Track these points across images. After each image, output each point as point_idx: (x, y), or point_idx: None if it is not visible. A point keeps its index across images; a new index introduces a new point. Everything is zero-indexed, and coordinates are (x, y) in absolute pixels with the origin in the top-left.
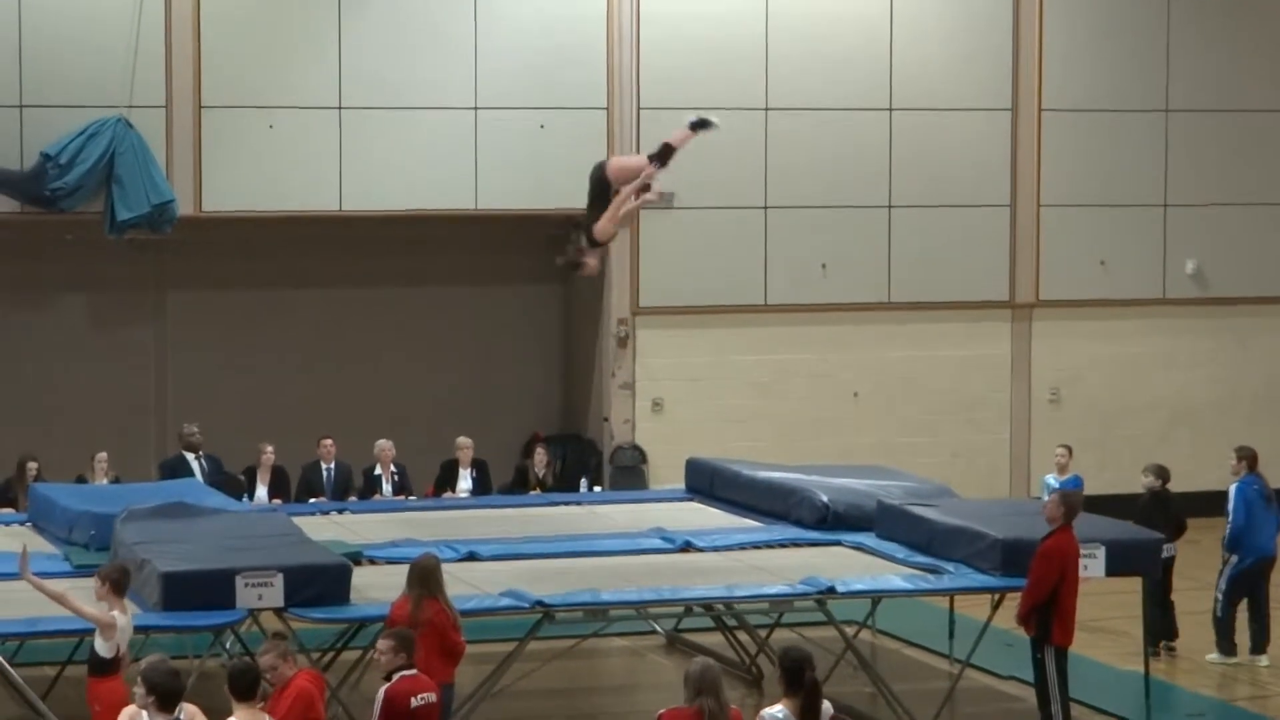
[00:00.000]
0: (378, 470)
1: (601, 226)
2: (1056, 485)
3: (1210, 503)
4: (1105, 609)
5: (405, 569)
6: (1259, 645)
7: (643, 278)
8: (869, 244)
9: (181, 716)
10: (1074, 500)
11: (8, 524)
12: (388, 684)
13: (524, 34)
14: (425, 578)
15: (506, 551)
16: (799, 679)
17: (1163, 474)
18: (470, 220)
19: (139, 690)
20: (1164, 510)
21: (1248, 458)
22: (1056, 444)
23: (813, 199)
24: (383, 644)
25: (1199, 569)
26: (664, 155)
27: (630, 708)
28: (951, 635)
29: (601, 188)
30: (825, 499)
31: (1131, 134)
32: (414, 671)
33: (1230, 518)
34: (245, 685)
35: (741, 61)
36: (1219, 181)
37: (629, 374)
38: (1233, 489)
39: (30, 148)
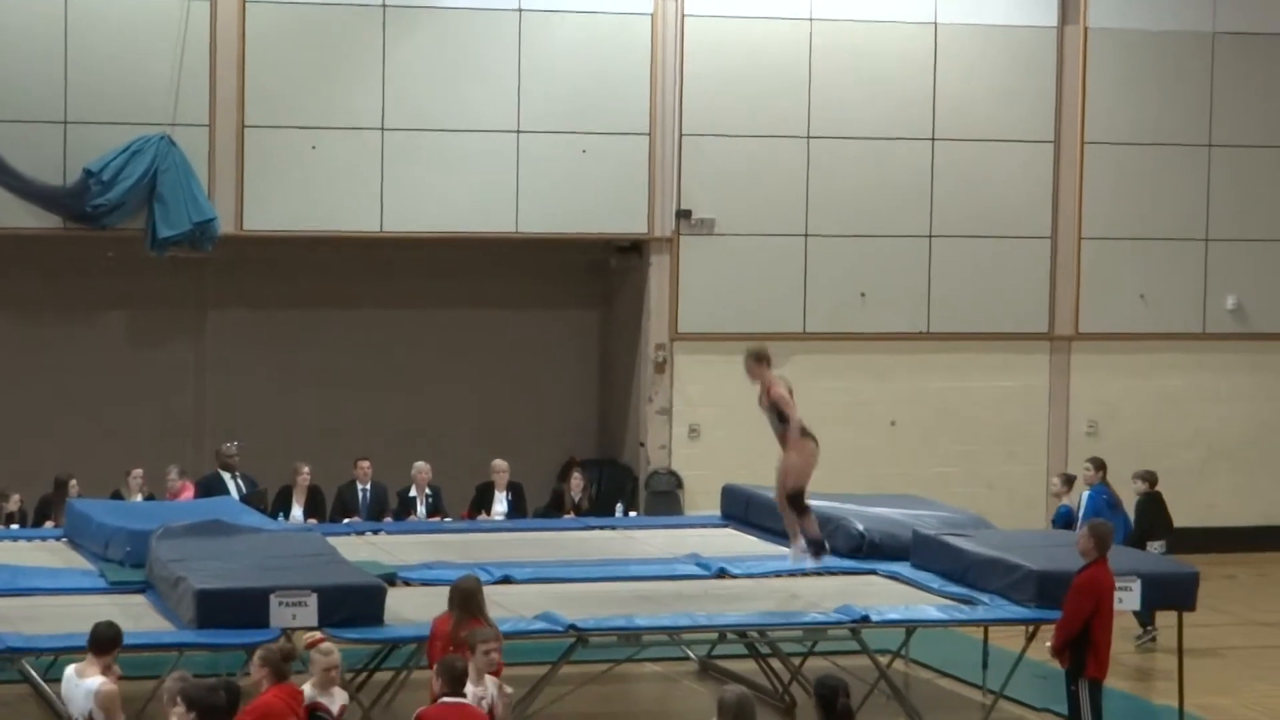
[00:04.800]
0: (413, 492)
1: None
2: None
3: (1249, 538)
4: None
5: (440, 590)
6: None
7: (681, 304)
8: (909, 273)
9: None
10: (1104, 532)
11: (45, 539)
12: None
13: (567, 58)
14: (466, 599)
15: (541, 575)
16: (833, 707)
17: (1150, 478)
18: (511, 244)
19: (178, 709)
20: (1160, 511)
21: (1102, 468)
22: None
23: (853, 227)
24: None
25: (1235, 604)
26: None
27: None
28: (985, 666)
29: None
30: (861, 528)
31: (1173, 168)
32: (460, 701)
33: (1080, 525)
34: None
35: (784, 89)
36: (1261, 216)
37: (666, 399)
38: (1084, 496)
39: (73, 164)
